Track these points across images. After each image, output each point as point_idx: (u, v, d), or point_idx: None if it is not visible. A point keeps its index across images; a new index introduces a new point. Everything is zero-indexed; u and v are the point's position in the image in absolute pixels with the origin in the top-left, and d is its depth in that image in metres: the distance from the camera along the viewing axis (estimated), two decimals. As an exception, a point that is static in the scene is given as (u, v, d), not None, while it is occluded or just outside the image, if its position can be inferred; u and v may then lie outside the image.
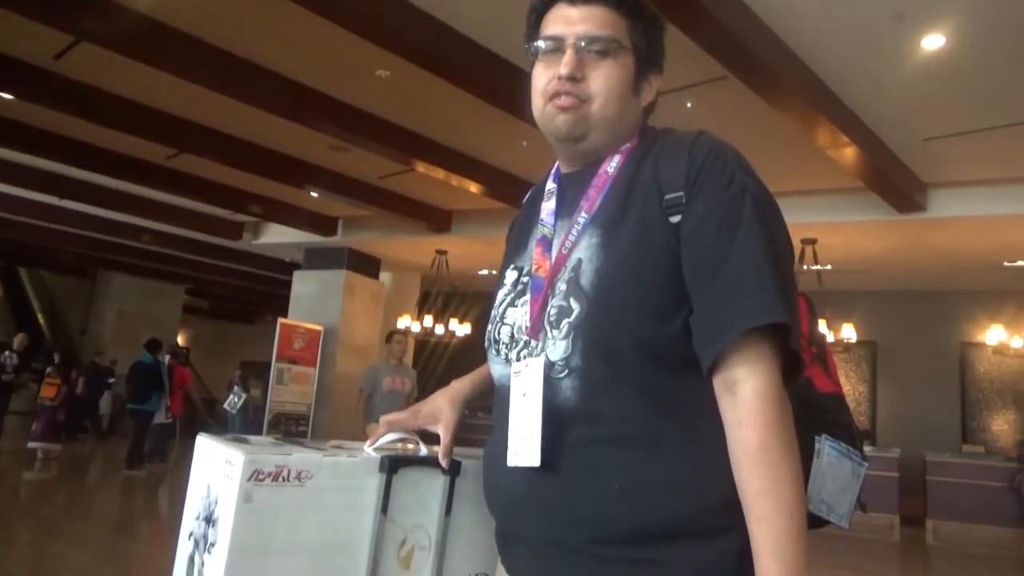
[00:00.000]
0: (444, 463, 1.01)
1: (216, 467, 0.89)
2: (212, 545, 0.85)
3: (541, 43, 1.03)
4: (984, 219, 6.44)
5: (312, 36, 4.52)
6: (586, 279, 0.93)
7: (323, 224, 9.36)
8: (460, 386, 1.16)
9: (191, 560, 0.89)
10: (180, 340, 16.91)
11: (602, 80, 0.99)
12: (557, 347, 0.93)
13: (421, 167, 6.62)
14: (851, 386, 10.26)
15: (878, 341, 9.98)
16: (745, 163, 0.96)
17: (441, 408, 1.11)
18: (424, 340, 10.05)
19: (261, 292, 15.06)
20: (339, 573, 0.89)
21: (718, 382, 0.89)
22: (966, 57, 4.30)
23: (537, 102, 1.04)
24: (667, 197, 0.93)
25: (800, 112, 4.82)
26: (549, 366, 0.93)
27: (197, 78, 5.13)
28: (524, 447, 0.92)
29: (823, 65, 4.52)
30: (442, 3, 4.21)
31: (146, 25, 4.55)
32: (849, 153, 5.38)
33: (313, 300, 9.88)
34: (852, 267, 8.39)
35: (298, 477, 0.87)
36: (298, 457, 0.88)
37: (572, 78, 0.98)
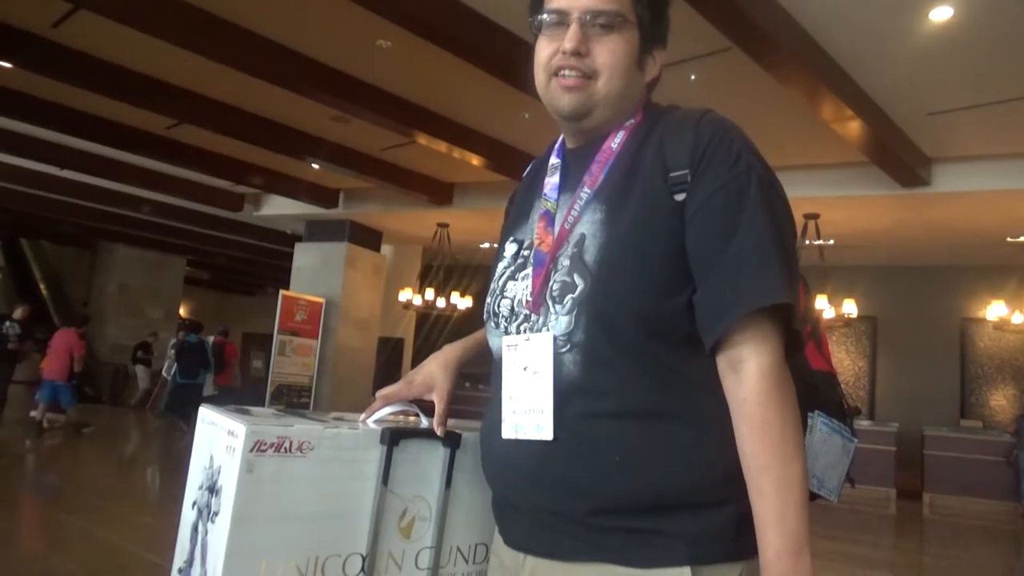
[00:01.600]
0: (440, 431, 1.02)
1: (219, 438, 0.90)
2: (215, 514, 0.86)
3: (545, 16, 1.01)
4: (988, 194, 6.41)
5: (312, 5, 4.48)
6: (590, 255, 0.93)
7: (324, 196, 9.33)
8: (453, 351, 1.16)
9: (195, 529, 0.90)
10: (182, 311, 16.96)
11: (607, 55, 0.98)
12: (560, 322, 0.93)
13: (422, 139, 6.59)
14: (851, 361, 10.31)
15: (879, 316, 10.00)
16: (750, 143, 0.96)
17: (434, 376, 1.11)
18: (426, 313, 10.07)
19: (262, 264, 15.07)
20: (341, 542, 0.90)
21: (722, 360, 0.90)
22: (973, 30, 4.25)
23: (540, 77, 1.03)
24: (672, 175, 0.93)
25: (805, 85, 4.77)
26: (552, 341, 0.94)
27: (197, 48, 5.08)
28: (529, 421, 0.93)
29: (828, 37, 4.47)
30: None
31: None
32: (854, 127, 5.34)
33: (315, 272, 9.89)
34: (854, 242, 8.38)
35: (300, 448, 0.88)
36: (300, 428, 0.89)
37: (577, 53, 0.97)
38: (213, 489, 0.87)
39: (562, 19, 0.99)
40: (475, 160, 7.02)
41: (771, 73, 4.57)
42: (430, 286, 9.83)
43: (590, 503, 0.90)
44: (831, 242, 7.90)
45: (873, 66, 4.80)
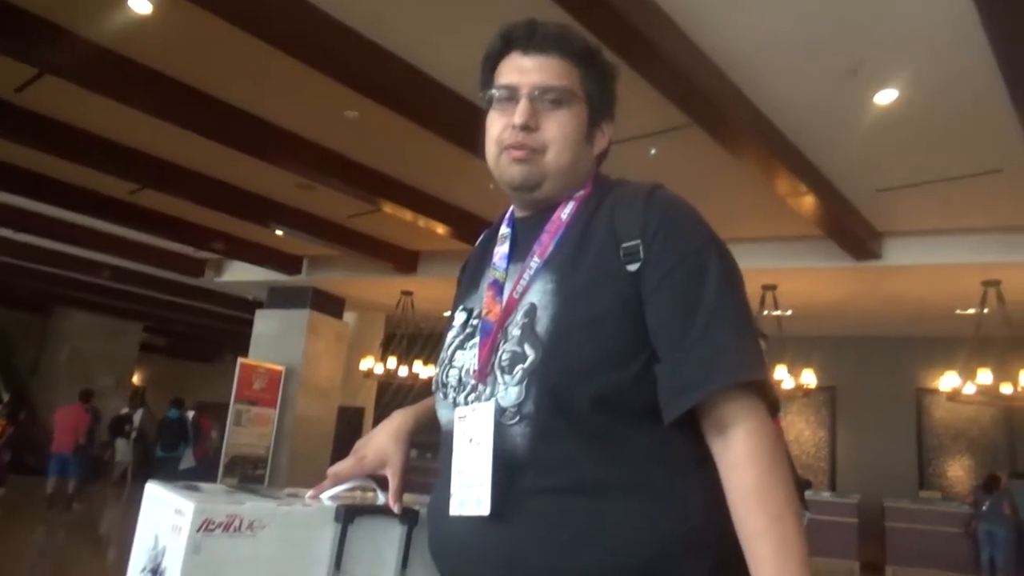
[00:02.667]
0: (396, 507, 0.99)
1: (165, 516, 0.86)
2: (158, 599, 0.82)
3: (495, 91, 1.04)
4: (936, 268, 6.63)
5: (281, 74, 4.53)
6: (541, 325, 0.92)
7: (288, 263, 9.26)
8: (404, 420, 1.12)
9: (135, 615, 0.85)
10: (136, 379, 16.50)
11: (556, 129, 1.00)
12: (509, 393, 0.92)
13: (388, 208, 6.62)
14: (811, 432, 10.37)
15: (837, 386, 10.13)
16: (703, 218, 0.99)
17: (386, 448, 1.08)
18: (387, 382, 9.94)
19: (221, 330, 14.79)
20: (290, 627, 0.86)
21: (706, 427, 0.89)
22: (918, 111, 4.47)
23: (491, 150, 1.05)
24: (624, 245, 0.94)
25: (760, 161, 4.94)
26: (500, 412, 0.92)
27: (162, 113, 5.10)
28: (471, 495, 0.90)
29: (782, 116, 4.66)
30: (411, 46, 4.26)
31: (111, 59, 4.52)
32: (808, 202, 5.52)
33: (275, 340, 9.73)
34: (812, 313, 8.55)
35: (250, 527, 0.84)
36: (251, 506, 0.85)
37: (526, 127, 0.99)
38: (156, 572, 0.83)
39: (512, 94, 1.02)
40: (440, 229, 7.07)
41: (728, 149, 4.73)
42: (392, 354, 9.72)
43: None
44: (789, 312, 8.05)
45: (824, 144, 5.00)
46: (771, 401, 0.92)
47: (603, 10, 3.32)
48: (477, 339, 0.99)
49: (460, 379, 0.99)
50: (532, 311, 0.94)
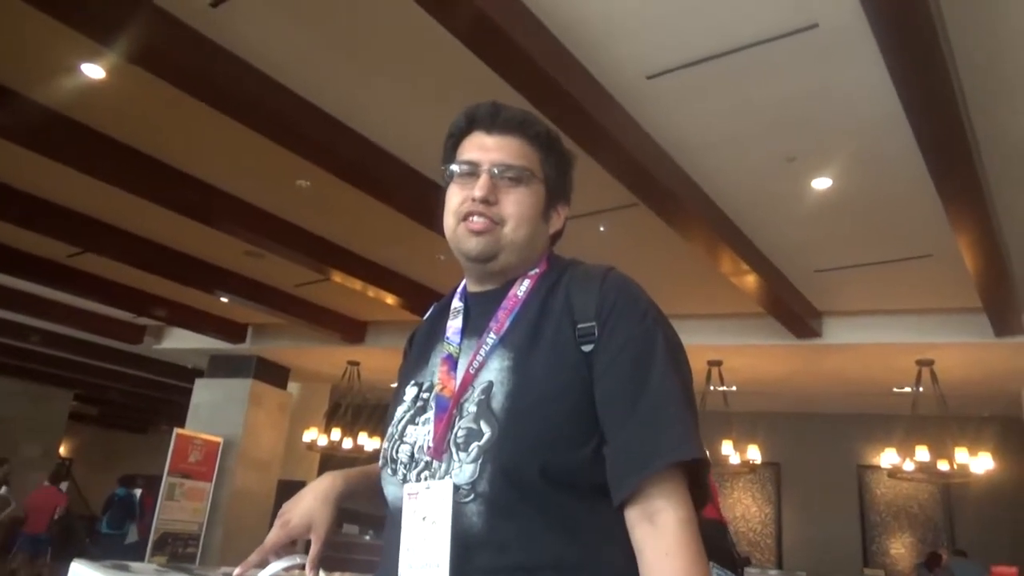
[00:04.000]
0: (310, 574, 0.96)
1: (90, 600, 0.81)
2: None
3: (456, 167, 1.08)
4: (872, 347, 6.85)
5: (232, 142, 4.53)
6: (497, 403, 0.93)
7: (231, 331, 9.06)
8: (333, 483, 1.10)
9: None
10: (63, 450, 15.68)
11: (514, 205, 1.04)
12: (464, 471, 0.91)
13: (338, 277, 6.58)
14: (758, 508, 10.39)
15: (782, 463, 10.22)
16: (652, 301, 1.02)
17: (312, 512, 1.05)
18: (331, 454, 9.66)
19: (158, 399, 14.24)
20: None
21: (635, 511, 0.89)
22: (851, 198, 4.70)
23: (449, 221, 1.07)
24: (580, 326, 0.96)
25: (704, 240, 5.10)
26: (454, 490, 0.91)
27: (106, 176, 5.01)
28: (425, 574, 0.88)
29: (724, 198, 4.84)
30: (364, 119, 4.33)
31: (55, 120, 4.47)
32: (750, 280, 5.69)
33: (214, 410, 9.41)
34: (756, 388, 8.69)
35: (182, 611, 0.80)
36: (182, 588, 0.81)
37: (486, 201, 1.03)
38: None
39: (473, 169, 1.05)
40: (390, 299, 7.04)
41: (674, 228, 4.87)
42: (337, 426, 9.49)
43: None
44: (734, 388, 8.16)
45: (765, 226, 5.19)
46: (705, 488, 0.94)
47: (559, 97, 3.45)
48: (430, 414, 0.98)
49: (412, 455, 0.97)
50: (488, 388, 0.94)
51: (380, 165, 4.63)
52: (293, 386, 10.38)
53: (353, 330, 8.45)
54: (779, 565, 9.71)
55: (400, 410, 1.05)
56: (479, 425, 0.92)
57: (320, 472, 7.74)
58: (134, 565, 0.90)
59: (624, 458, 0.90)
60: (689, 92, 3.75)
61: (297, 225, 5.88)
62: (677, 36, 3.36)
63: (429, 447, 0.95)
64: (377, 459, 1.09)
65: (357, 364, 9.32)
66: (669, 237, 5.03)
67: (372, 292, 6.89)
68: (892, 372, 7.56)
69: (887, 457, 7.77)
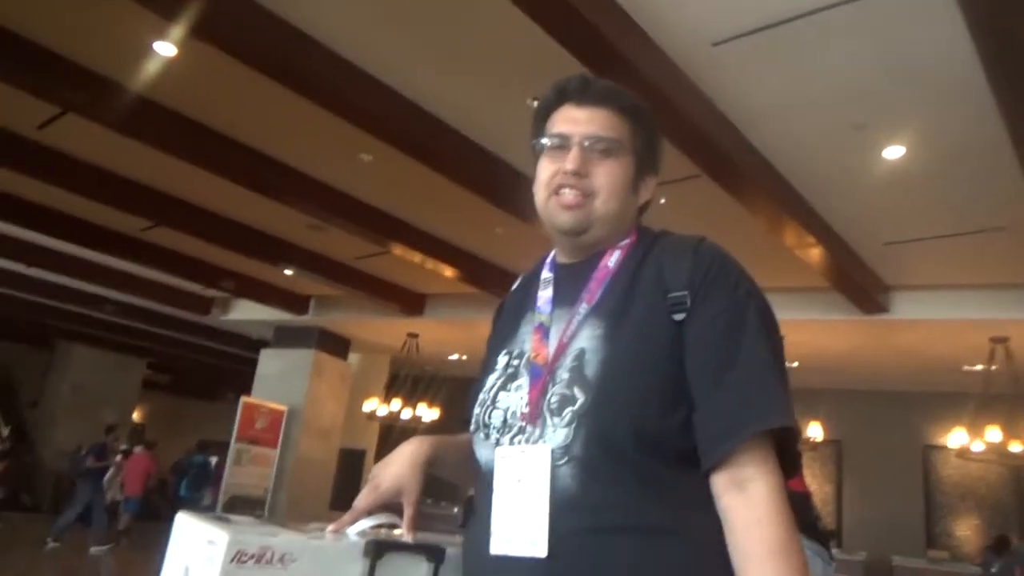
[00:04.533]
0: (410, 537, 1.00)
1: (196, 546, 0.86)
2: (186, 631, 0.81)
3: (547, 140, 1.08)
4: (943, 323, 6.63)
5: (297, 117, 4.62)
6: (591, 369, 0.95)
7: (295, 303, 9.30)
8: (420, 448, 1.12)
9: (162, 646, 0.85)
10: (136, 416, 16.40)
11: (605, 177, 1.05)
12: (558, 434, 0.93)
13: (398, 250, 6.68)
14: (817, 486, 10.23)
15: (843, 441, 10.03)
16: (746, 271, 1.03)
17: (402, 477, 1.08)
18: (390, 424, 9.88)
19: (225, 369, 14.75)
20: (317, 663, 0.85)
21: (724, 478, 0.91)
22: (925, 167, 4.53)
23: (540, 194, 1.08)
24: (671, 295, 0.97)
25: (768, 212, 4.99)
26: (548, 453, 0.93)
27: (179, 153, 5.19)
28: (521, 535, 0.91)
29: (790, 169, 4.72)
30: (426, 93, 4.35)
31: (133, 101, 4.62)
32: (815, 253, 5.56)
33: (279, 379, 9.71)
34: (818, 365, 8.51)
35: (281, 560, 0.84)
36: (283, 539, 0.86)
37: (577, 173, 1.03)
38: (186, 602, 0.83)
39: (564, 143, 1.06)
40: (448, 272, 7.11)
41: (737, 200, 4.78)
42: (396, 396, 9.68)
43: None
44: (795, 364, 8.02)
45: (832, 197, 5.05)
46: (795, 457, 0.95)
47: (621, 66, 3.40)
48: (522, 381, 1.01)
49: (505, 420, 1.00)
50: (581, 355, 0.96)
51: (441, 139, 4.66)
52: (353, 357, 10.62)
53: (412, 302, 8.57)
54: (839, 545, 9.57)
55: (492, 377, 1.07)
56: (573, 391, 0.94)
57: (380, 441, 7.92)
58: (234, 517, 0.95)
59: (714, 425, 0.91)
60: (755, 59, 3.65)
61: (359, 199, 5.97)
62: (744, 1, 3.27)
63: (523, 412, 0.98)
64: (441, 429, 1.12)
65: (416, 336, 9.47)
66: (731, 209, 4.94)
67: (431, 265, 6.97)
68: (963, 349, 7.31)
69: (955, 437, 7.55)
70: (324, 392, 9.87)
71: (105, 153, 5.69)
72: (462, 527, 1.06)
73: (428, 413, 9.69)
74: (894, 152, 4.38)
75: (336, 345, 10.07)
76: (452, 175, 5.02)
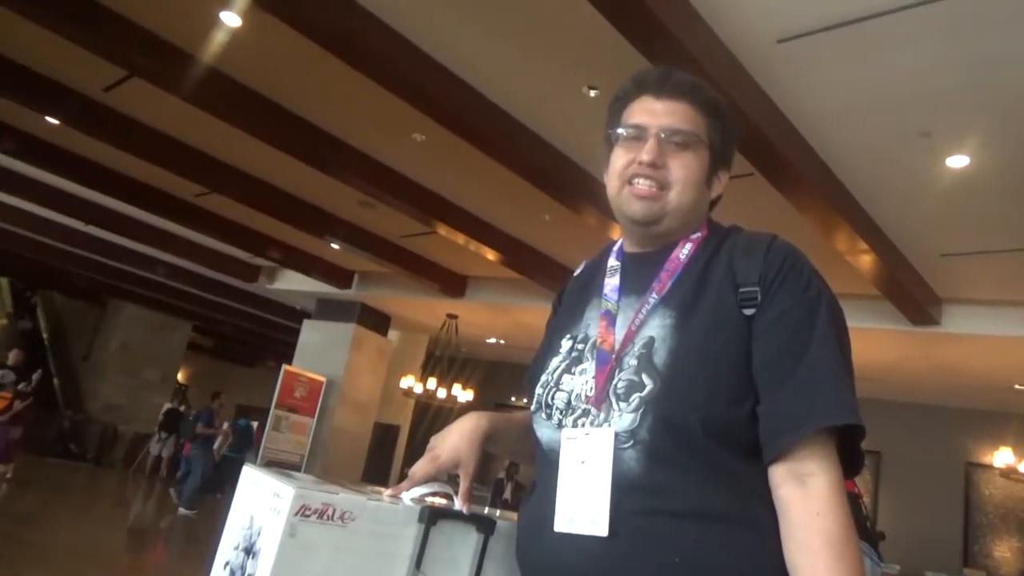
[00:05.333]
0: (464, 508, 1.02)
1: (262, 499, 0.90)
2: (249, 577, 0.85)
3: (623, 130, 1.09)
4: (997, 339, 6.45)
5: (354, 93, 4.68)
6: (660, 357, 0.97)
7: (339, 276, 9.44)
8: (479, 423, 1.14)
9: (223, 592, 0.89)
10: (180, 377, 16.86)
11: (681, 169, 1.06)
12: (624, 419, 0.96)
13: (443, 230, 6.73)
14: (852, 495, 10.08)
15: (882, 452, 9.85)
16: (816, 270, 1.03)
17: (460, 449, 1.10)
18: (425, 403, 10.00)
19: (267, 337, 15.07)
20: (369, 618, 0.89)
21: (784, 471, 0.92)
22: (989, 179, 4.40)
23: (613, 183, 1.10)
24: (742, 290, 0.98)
25: (821, 215, 4.90)
26: (615, 437, 0.95)
27: (237, 122, 5.29)
28: (583, 515, 0.94)
29: (848, 172, 4.63)
30: (484, 76, 4.36)
31: (197, 69, 4.72)
32: (866, 260, 5.45)
33: (319, 350, 9.89)
34: (862, 374, 8.17)
35: (342, 517, 0.87)
36: (344, 497, 0.89)
37: (653, 164, 1.05)
38: (250, 551, 0.87)
39: (641, 133, 1.07)
40: (491, 255, 7.15)
41: (790, 200, 4.71)
42: (432, 375, 9.79)
43: None
44: (838, 371, 7.87)
45: (889, 203, 4.94)
46: (857, 455, 0.96)
47: (680, 56, 3.37)
48: (587, 365, 1.03)
49: (569, 402, 1.02)
50: (650, 344, 0.98)
51: (494, 123, 4.67)
52: (393, 334, 10.75)
53: (454, 283, 8.64)
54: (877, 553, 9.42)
55: (555, 360, 1.08)
56: (640, 377, 0.96)
57: (415, 419, 8.01)
58: (296, 474, 0.99)
59: (778, 418, 0.92)
60: (821, 58, 3.58)
61: (409, 177, 6.03)
62: (814, -1, 3.21)
63: (588, 396, 1.00)
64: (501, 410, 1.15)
65: (456, 317, 9.54)
66: (783, 211, 4.86)
67: (474, 247, 7.01)
68: (1016, 367, 7.11)
69: (1002, 456, 7.36)
70: (362, 366, 10.02)
71: (166, 119, 5.83)
72: (491, 507, 1.08)
73: (463, 394, 9.78)
74: (958, 161, 4.26)
75: (377, 321, 10.21)
76: (503, 159, 5.03)
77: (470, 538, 0.98)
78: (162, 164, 6.48)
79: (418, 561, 0.92)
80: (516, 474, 10.23)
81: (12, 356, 9.71)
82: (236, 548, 0.90)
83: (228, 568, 0.90)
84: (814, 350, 0.94)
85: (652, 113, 1.08)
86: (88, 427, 13.63)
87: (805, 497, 0.89)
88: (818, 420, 0.91)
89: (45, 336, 15.26)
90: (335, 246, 8.18)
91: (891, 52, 3.45)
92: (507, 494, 9.99)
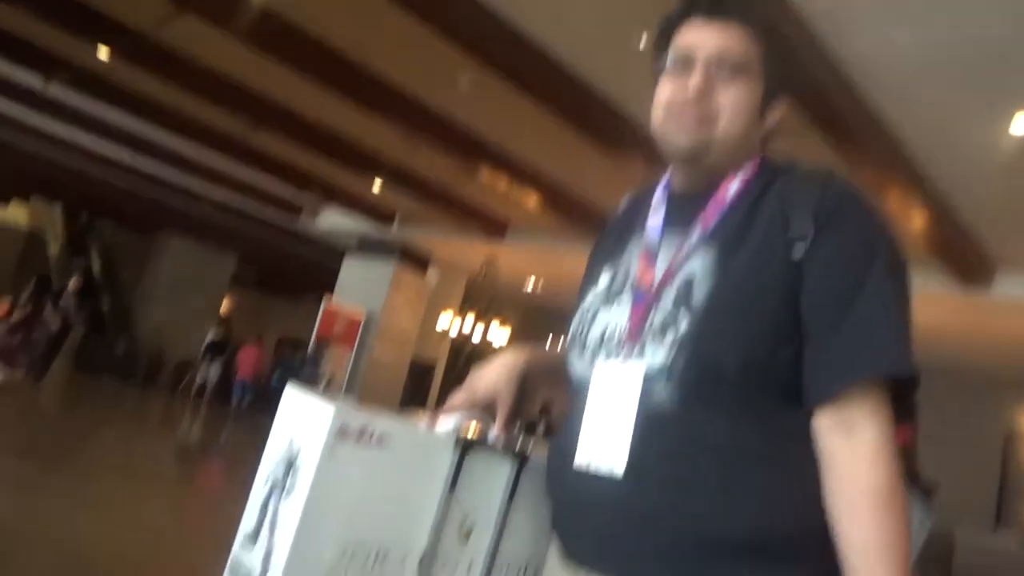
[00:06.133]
0: (501, 437, 1.02)
1: (304, 418, 0.94)
2: (289, 492, 0.89)
3: (670, 56, 1.02)
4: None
5: (403, 37, 4.65)
6: (698, 296, 0.93)
7: (381, 215, 9.51)
8: (517, 359, 1.12)
9: (264, 505, 0.93)
10: (223, 308, 17.26)
11: (730, 98, 0.98)
12: (657, 355, 0.92)
13: (485, 172, 6.71)
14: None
15: (919, 415, 9.73)
16: (879, 211, 0.96)
17: (498, 386, 1.09)
18: (461, 343, 10.12)
19: (309, 272, 15.29)
20: (403, 538, 0.93)
21: (830, 417, 0.88)
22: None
23: (658, 114, 1.02)
24: (793, 230, 0.92)
25: (872, 169, 4.76)
26: (646, 371, 0.93)
27: (288, 61, 5.31)
28: (604, 451, 0.92)
29: (905, 130, 4.47)
30: (530, 19, 4.27)
31: (250, 6, 4.72)
32: (919, 218, 5.30)
33: (359, 287, 10.05)
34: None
35: (379, 440, 0.90)
36: (382, 421, 0.92)
37: (699, 94, 0.98)
38: (291, 467, 0.91)
39: (687, 61, 1.00)
40: (532, 199, 7.12)
41: (839, 153, 4.57)
42: (470, 312, 9.87)
43: (670, 539, 0.88)
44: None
45: (946, 163, 4.77)
46: (910, 406, 0.92)
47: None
48: (624, 300, 1.00)
49: (603, 337, 0.99)
50: (689, 281, 0.94)
51: (540, 68, 4.60)
52: (432, 272, 10.84)
53: (494, 226, 8.64)
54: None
55: (592, 294, 1.06)
56: (677, 315, 0.93)
57: (450, 359, 8.09)
58: (337, 396, 1.02)
59: (826, 363, 0.88)
60: (887, 11, 3.42)
61: (453, 119, 6.00)
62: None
63: (622, 332, 0.97)
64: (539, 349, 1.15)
65: (495, 260, 9.57)
66: (829, 161, 4.72)
67: (516, 190, 6.98)
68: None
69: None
70: (401, 303, 10.17)
71: (214, 54, 5.85)
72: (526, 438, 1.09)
73: (499, 335, 9.84)
74: (1022, 127, 4.08)
75: (416, 260, 10.30)
76: (546, 104, 4.98)
77: (503, 469, 1.01)
78: (211, 99, 6.54)
79: (452, 486, 0.95)
80: (550, 412, 10.34)
81: (72, 282, 10.14)
82: (277, 463, 0.94)
83: (269, 483, 0.94)
84: (868, 292, 0.88)
85: (701, 37, 0.99)
86: (137, 352, 14.11)
87: (852, 449, 0.85)
88: (869, 368, 0.87)
89: (96, 264, 15.72)
90: (377, 185, 8.21)
91: (959, 10, 3.29)
92: (539, 431, 10.14)
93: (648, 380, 0.92)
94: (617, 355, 0.97)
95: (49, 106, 7.99)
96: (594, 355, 1.00)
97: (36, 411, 8.77)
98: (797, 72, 3.68)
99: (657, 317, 0.95)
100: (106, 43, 5.81)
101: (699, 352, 0.90)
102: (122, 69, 6.40)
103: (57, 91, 7.33)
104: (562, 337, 1.10)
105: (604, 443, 0.93)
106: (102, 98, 7.32)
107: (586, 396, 0.98)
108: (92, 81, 6.90)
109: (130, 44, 5.74)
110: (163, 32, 5.55)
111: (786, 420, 0.90)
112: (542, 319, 11.99)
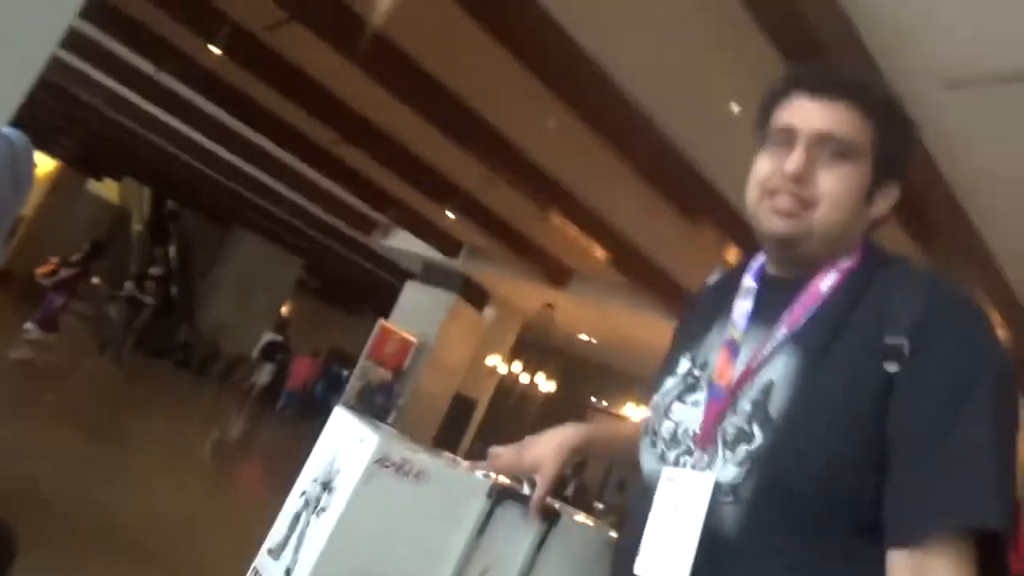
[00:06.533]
0: (533, 515, 0.99)
1: (347, 441, 0.95)
2: (323, 510, 0.90)
3: (770, 132, 0.94)
4: None
5: (497, 71, 4.74)
6: (776, 406, 0.84)
7: (449, 245, 9.64)
8: (573, 435, 1.08)
9: (296, 517, 0.94)
10: (284, 311, 17.67)
11: (832, 183, 0.89)
12: (727, 470, 0.85)
13: (557, 218, 6.75)
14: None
15: None
16: (990, 326, 0.86)
17: (545, 459, 1.04)
18: (508, 385, 10.09)
19: (370, 289, 15.56)
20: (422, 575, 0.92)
21: (904, 559, 0.77)
22: None
23: (753, 193, 0.94)
24: (888, 341, 0.82)
25: (956, 272, 4.60)
26: (715, 487, 0.86)
27: (386, 83, 5.48)
28: (666, 562, 0.86)
29: (997, 237, 4.32)
30: (629, 75, 4.33)
31: (359, 25, 4.91)
32: (1000, 333, 5.08)
33: (416, 312, 10.15)
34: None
35: (416, 475, 0.90)
36: (422, 457, 0.92)
37: (798, 176, 0.89)
38: (328, 486, 0.91)
39: (789, 138, 0.91)
40: (601, 253, 7.11)
41: (924, 251, 4.43)
42: (519, 359, 9.87)
43: None
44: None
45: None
46: (1002, 567, 0.79)
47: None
48: (701, 397, 0.93)
49: (675, 434, 0.93)
50: (769, 388, 0.86)
51: (629, 123, 4.65)
52: (488, 310, 10.90)
53: (558, 273, 8.65)
54: None
55: (670, 382, 0.98)
56: (751, 427, 0.84)
57: (494, 397, 8.03)
58: (383, 426, 1.03)
59: (906, 504, 0.78)
60: (992, 112, 3.34)
61: (536, 161, 6.07)
62: (995, 41, 2.98)
63: (695, 433, 0.90)
64: (568, 405, 1.12)
65: (553, 307, 9.57)
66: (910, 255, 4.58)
67: (585, 241, 7.00)
68: None
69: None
70: (455, 335, 10.22)
71: (319, 67, 6.08)
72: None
73: (546, 384, 9.81)
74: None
75: (476, 294, 10.37)
76: (633, 161, 5.00)
77: (531, 526, 0.99)
78: (305, 107, 6.77)
79: (480, 532, 0.94)
80: (582, 473, 10.19)
81: (156, 269, 10.99)
82: (315, 480, 0.95)
83: (304, 497, 0.96)
84: (964, 425, 0.77)
85: (804, 114, 0.90)
86: (197, 341, 14.52)
87: None
88: (953, 519, 0.75)
89: (172, 249, 16.33)
90: (451, 215, 8.34)
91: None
92: (569, 491, 9.99)
93: (715, 497, 0.85)
94: (688, 456, 0.91)
95: (156, 92, 8.39)
96: (664, 452, 0.94)
97: (97, 387, 9.09)
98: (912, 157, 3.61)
99: (731, 423, 0.87)
100: (218, 40, 6.10)
101: (771, 474, 0.82)
102: (228, 66, 6.70)
103: (166, 80, 7.71)
104: (625, 403, 1.07)
105: (665, 559, 0.87)
106: (206, 92, 7.65)
107: (652, 497, 0.92)
108: (199, 74, 7.22)
109: (240, 44, 6.01)
110: (272, 37, 5.81)
111: (857, 558, 0.81)
112: (592, 372, 11.90)
